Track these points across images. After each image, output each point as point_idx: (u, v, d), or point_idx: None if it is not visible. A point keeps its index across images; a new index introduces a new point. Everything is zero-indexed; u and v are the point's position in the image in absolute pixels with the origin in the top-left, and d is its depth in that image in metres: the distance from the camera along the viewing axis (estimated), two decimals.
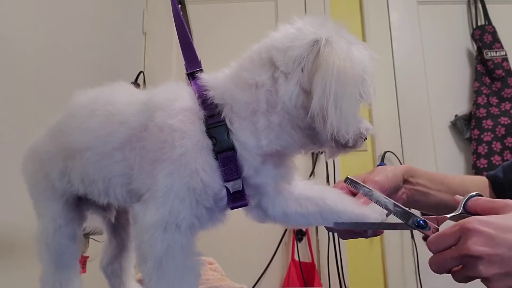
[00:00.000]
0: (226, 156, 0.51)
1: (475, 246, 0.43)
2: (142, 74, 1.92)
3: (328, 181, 1.88)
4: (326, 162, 1.89)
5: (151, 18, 2.11)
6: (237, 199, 0.53)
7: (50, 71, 1.11)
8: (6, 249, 0.90)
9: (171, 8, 0.62)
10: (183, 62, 0.59)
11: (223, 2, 2.16)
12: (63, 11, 1.21)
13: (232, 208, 0.55)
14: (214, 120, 0.51)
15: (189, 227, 0.51)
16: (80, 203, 0.67)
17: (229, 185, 0.52)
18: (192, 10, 2.06)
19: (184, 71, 0.59)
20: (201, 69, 0.58)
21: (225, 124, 0.51)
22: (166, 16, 2.08)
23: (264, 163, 0.53)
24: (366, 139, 0.53)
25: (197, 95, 0.54)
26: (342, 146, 0.52)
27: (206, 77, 0.56)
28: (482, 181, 0.80)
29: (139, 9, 2.07)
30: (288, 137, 0.52)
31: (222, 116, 0.51)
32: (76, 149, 0.59)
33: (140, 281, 0.86)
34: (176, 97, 0.54)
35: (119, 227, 0.75)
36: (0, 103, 0.91)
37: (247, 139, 0.51)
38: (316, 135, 0.52)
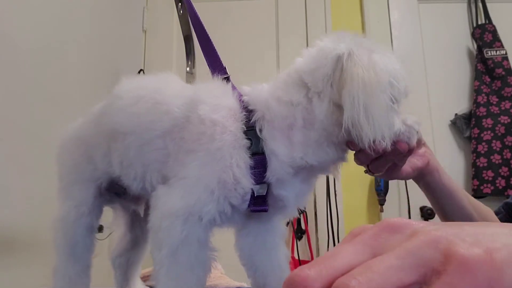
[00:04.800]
0: (258, 159, 0.52)
1: None
2: (142, 72, 1.92)
3: (328, 181, 1.88)
4: None
5: (151, 15, 2.10)
6: (258, 203, 0.54)
7: (50, 69, 1.11)
8: (6, 247, 0.90)
9: (172, 6, 0.63)
10: (183, 60, 0.60)
11: (224, 0, 2.16)
12: (63, 8, 1.21)
13: (252, 211, 0.55)
14: (249, 125, 0.53)
15: (209, 221, 0.52)
16: (104, 195, 0.69)
17: (256, 188, 0.53)
18: None
19: (185, 68, 0.60)
20: (228, 76, 0.60)
21: (255, 130, 0.53)
22: (166, 14, 2.08)
23: (295, 175, 0.54)
24: (418, 132, 0.53)
25: (238, 97, 0.56)
26: (398, 152, 0.53)
27: (245, 88, 0.58)
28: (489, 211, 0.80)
29: (139, 7, 2.07)
30: (324, 153, 0.53)
31: (252, 121, 0.53)
32: (119, 131, 0.60)
33: (143, 278, 0.87)
34: (221, 94, 0.56)
35: (137, 223, 0.76)
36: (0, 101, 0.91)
37: (276, 147, 0.52)
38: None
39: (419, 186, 0.75)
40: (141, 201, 0.72)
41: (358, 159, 0.57)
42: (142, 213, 0.74)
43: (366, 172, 0.61)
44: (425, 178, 0.71)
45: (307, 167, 0.54)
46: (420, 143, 0.67)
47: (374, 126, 0.48)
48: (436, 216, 0.78)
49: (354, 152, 0.56)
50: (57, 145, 0.71)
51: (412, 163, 0.66)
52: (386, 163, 0.57)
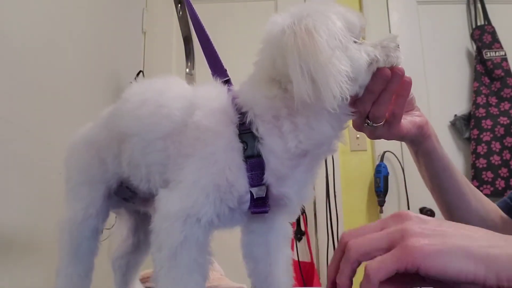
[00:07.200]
0: (254, 162, 0.52)
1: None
2: (141, 73, 1.92)
3: (327, 180, 1.88)
4: (326, 163, 1.89)
5: (151, 17, 2.10)
6: (258, 205, 0.54)
7: (49, 69, 1.11)
8: (5, 247, 0.90)
9: (172, 8, 0.64)
10: (183, 61, 0.60)
11: (223, 1, 2.17)
12: (62, 9, 1.21)
13: (253, 213, 0.55)
14: (245, 127, 0.53)
15: (208, 223, 0.52)
16: (112, 198, 0.69)
17: (254, 190, 0.53)
18: None
19: (184, 70, 0.60)
20: (229, 79, 0.60)
21: (252, 132, 0.53)
22: (166, 15, 2.08)
23: (297, 167, 0.54)
24: (398, 46, 0.52)
25: (232, 100, 0.56)
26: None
27: (237, 88, 0.58)
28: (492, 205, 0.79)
29: (139, 8, 2.07)
30: (317, 134, 0.52)
31: (247, 122, 0.53)
32: (126, 133, 0.62)
33: (143, 279, 0.87)
34: (215, 97, 0.56)
35: (140, 228, 0.77)
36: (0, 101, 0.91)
37: (274, 144, 0.52)
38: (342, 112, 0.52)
39: (418, 157, 0.73)
40: (150, 203, 0.73)
41: (358, 107, 0.54)
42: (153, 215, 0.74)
43: (366, 124, 0.58)
44: (424, 143, 0.70)
45: (304, 154, 0.53)
46: (411, 102, 0.67)
47: (328, 81, 0.46)
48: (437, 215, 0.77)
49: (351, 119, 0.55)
50: (65, 148, 0.72)
51: (410, 120, 0.65)
52: (387, 101, 0.54)
